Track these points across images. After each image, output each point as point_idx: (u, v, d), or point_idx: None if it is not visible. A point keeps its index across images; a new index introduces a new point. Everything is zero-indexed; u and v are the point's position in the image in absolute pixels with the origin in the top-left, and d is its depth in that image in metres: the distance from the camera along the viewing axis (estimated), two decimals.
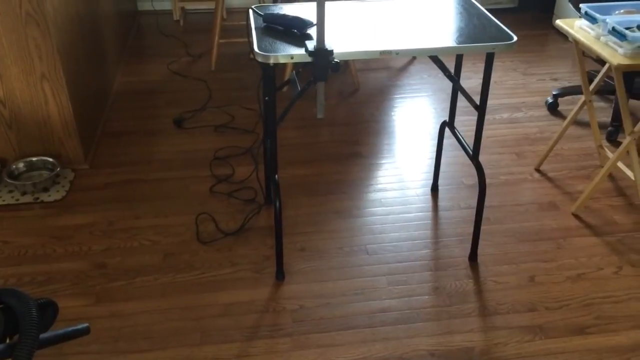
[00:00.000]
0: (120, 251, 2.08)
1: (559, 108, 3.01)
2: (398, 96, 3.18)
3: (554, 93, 3.00)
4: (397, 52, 1.66)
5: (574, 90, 2.99)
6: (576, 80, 3.26)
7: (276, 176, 1.88)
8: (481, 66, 1.79)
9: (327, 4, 1.89)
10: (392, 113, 3.01)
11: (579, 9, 2.14)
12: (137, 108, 3.02)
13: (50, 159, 2.42)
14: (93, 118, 2.71)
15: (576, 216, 2.26)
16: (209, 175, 2.50)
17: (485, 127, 2.65)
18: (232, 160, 2.61)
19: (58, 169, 2.39)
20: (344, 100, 3.13)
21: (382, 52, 1.65)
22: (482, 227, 2.16)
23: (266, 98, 1.96)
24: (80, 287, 1.93)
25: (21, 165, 2.42)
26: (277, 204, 1.84)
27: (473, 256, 2.06)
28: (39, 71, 2.25)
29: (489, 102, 3.03)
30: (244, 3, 4.28)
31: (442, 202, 2.36)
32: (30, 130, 2.39)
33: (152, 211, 2.28)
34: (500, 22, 1.80)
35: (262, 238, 2.15)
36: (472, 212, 2.27)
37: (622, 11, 2.10)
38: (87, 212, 2.27)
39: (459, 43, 1.67)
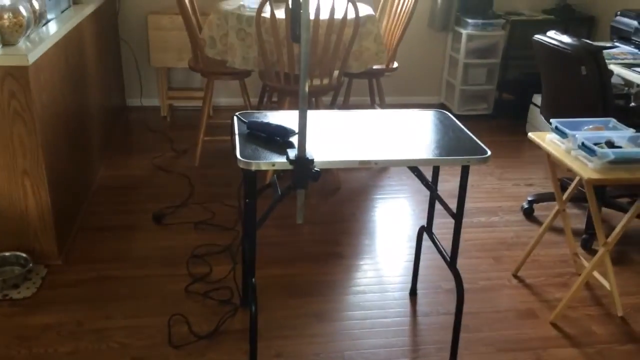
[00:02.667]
0: (87, 355, 2.00)
1: (535, 214, 3.07)
2: (378, 196, 3.23)
3: (529, 199, 3.08)
4: (376, 163, 1.70)
5: (549, 197, 3.07)
6: (550, 186, 3.35)
7: (253, 279, 1.86)
8: (458, 170, 1.84)
9: (309, 112, 1.96)
10: (373, 213, 3.05)
11: (550, 122, 2.25)
12: (117, 202, 3.02)
13: (24, 255, 2.37)
14: (71, 212, 2.69)
15: (554, 325, 2.25)
16: (185, 274, 2.46)
17: (462, 230, 2.68)
18: (210, 258, 2.58)
19: (30, 265, 2.34)
20: (324, 199, 3.17)
21: (362, 162, 1.70)
22: (461, 335, 2.13)
23: (247, 200, 1.98)
24: None
25: None
26: (253, 309, 1.81)
27: None
28: (21, 167, 2.26)
29: (466, 205, 3.09)
30: (231, 102, 4.43)
31: (420, 307, 2.33)
32: (6, 225, 2.36)
33: (124, 311, 2.22)
34: (476, 128, 1.88)
35: (236, 342, 2.09)
36: (451, 318, 2.24)
37: (590, 127, 2.21)
38: (57, 311, 2.20)
39: (436, 155, 1.73)
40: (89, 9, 3.06)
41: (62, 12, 2.84)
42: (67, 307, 2.23)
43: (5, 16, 2.15)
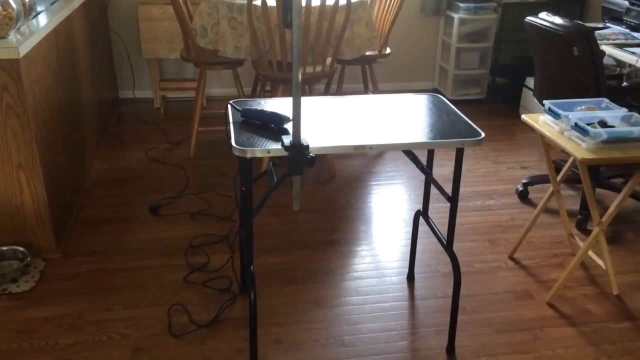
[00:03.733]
0: (87, 346, 2.01)
1: (529, 196, 3.09)
2: (374, 183, 3.24)
3: (523, 181, 3.10)
4: (371, 147, 1.71)
5: (543, 179, 3.09)
6: (544, 168, 3.37)
7: (252, 267, 1.87)
8: (453, 154, 1.85)
9: (303, 99, 1.96)
10: (368, 200, 3.06)
11: (543, 104, 2.25)
12: (113, 195, 3.02)
13: (21, 249, 2.37)
14: (68, 206, 2.69)
15: (551, 305, 2.27)
16: (183, 264, 2.47)
17: (458, 214, 2.70)
18: (207, 248, 2.59)
19: (28, 258, 2.34)
20: (320, 187, 3.17)
21: (356, 147, 1.70)
22: (459, 317, 2.15)
23: (243, 188, 1.98)
24: None
25: None
26: (252, 296, 1.82)
27: (451, 348, 2.03)
28: (16, 161, 2.26)
29: (462, 189, 3.11)
30: (224, 92, 4.41)
31: (418, 291, 2.35)
32: (2, 219, 2.36)
33: (124, 302, 2.23)
34: (470, 112, 1.89)
35: (236, 330, 2.10)
36: (449, 301, 2.27)
37: (583, 107, 2.22)
38: (56, 304, 2.20)
39: (430, 138, 1.74)
40: (78, 1, 3.04)
41: (52, 4, 2.82)
42: (66, 299, 2.23)
43: None
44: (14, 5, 2.18)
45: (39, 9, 2.59)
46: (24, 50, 2.14)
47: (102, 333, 2.07)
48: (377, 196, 3.10)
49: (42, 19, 2.50)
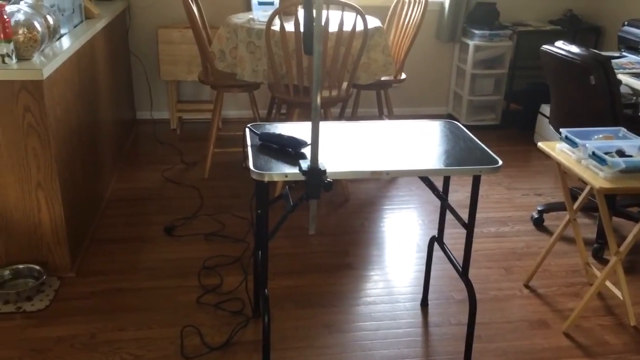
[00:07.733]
0: None
1: (545, 223, 3.07)
2: (387, 207, 3.23)
3: (538, 209, 3.08)
4: (388, 173, 1.72)
5: (558, 207, 3.07)
6: (559, 195, 3.35)
7: (266, 290, 1.86)
8: (468, 180, 1.85)
9: (321, 124, 1.98)
10: (382, 224, 3.05)
11: (559, 132, 2.25)
12: (128, 215, 3.04)
13: (37, 267, 2.39)
14: (84, 225, 2.71)
15: (567, 335, 2.24)
16: (196, 285, 2.47)
17: (473, 240, 2.68)
18: (221, 269, 2.59)
19: (44, 277, 2.36)
20: (334, 211, 3.17)
21: (374, 172, 1.71)
22: (473, 346, 2.12)
23: (259, 211, 1.99)
24: None
25: (7, 272, 2.38)
26: (266, 320, 1.81)
27: None
28: (35, 180, 2.29)
29: (477, 215, 3.09)
30: (240, 114, 4.46)
31: (432, 318, 2.33)
32: (20, 238, 2.39)
33: (137, 322, 2.23)
34: (484, 138, 1.89)
35: (248, 354, 2.09)
36: (463, 329, 2.24)
37: (600, 136, 2.21)
38: (70, 323, 2.21)
39: (447, 165, 1.74)
40: (100, 24, 3.11)
41: (75, 27, 2.88)
42: (80, 319, 2.24)
43: (20, 31, 2.19)
44: (39, 28, 2.24)
45: (62, 31, 2.65)
46: (47, 72, 2.19)
47: (114, 354, 2.07)
48: (390, 221, 3.09)
49: (65, 42, 2.56)
